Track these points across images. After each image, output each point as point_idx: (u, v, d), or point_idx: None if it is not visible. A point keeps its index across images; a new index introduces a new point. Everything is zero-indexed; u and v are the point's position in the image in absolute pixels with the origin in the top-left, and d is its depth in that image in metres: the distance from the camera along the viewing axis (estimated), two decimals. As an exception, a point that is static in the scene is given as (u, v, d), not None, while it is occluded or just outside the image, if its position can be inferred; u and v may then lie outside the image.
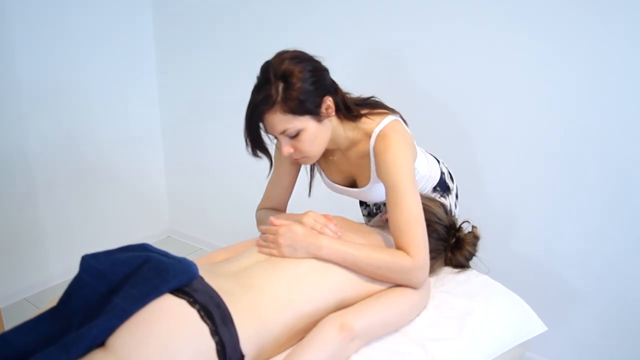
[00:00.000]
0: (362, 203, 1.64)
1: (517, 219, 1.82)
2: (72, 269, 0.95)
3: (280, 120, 1.09)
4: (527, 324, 1.20)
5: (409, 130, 1.26)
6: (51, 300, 1.00)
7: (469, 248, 1.33)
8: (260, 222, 1.38)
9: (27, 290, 2.42)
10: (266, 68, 1.12)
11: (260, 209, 1.41)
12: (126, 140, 2.69)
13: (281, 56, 1.12)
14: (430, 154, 1.48)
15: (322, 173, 1.38)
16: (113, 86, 2.56)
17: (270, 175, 1.35)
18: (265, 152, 1.18)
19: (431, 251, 1.28)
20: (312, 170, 1.38)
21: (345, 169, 1.32)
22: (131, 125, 2.70)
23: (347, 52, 1.99)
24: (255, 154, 1.18)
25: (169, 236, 3.04)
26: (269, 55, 2.39)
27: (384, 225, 1.34)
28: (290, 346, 1.03)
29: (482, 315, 1.15)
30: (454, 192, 1.50)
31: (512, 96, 1.72)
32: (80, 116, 2.45)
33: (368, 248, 1.10)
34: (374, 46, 1.96)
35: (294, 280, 1.04)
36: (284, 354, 0.98)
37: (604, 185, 1.62)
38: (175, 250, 1.11)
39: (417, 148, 1.34)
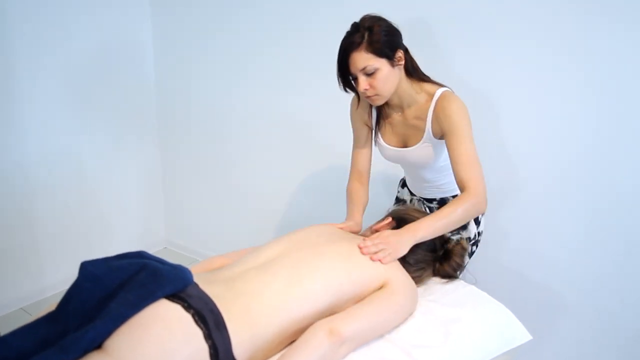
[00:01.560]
0: (403, 186, 1.79)
1: (506, 230, 1.85)
2: (68, 279, 0.98)
3: (363, 58, 1.33)
4: (513, 332, 1.23)
5: None
6: (50, 305, 1.04)
7: (457, 259, 1.37)
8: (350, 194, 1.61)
9: (24, 299, 2.44)
10: (356, 24, 1.37)
11: (350, 177, 1.64)
12: (123, 149, 2.73)
13: (365, 17, 1.38)
14: None
15: (380, 137, 1.58)
16: (111, 94, 2.61)
17: (352, 146, 1.64)
18: (352, 87, 1.43)
19: (420, 262, 1.33)
20: (375, 127, 1.60)
21: (399, 131, 1.53)
22: (128, 134, 2.75)
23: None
24: (345, 90, 1.44)
25: (165, 247, 3.07)
26: (268, 59, 2.43)
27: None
28: (282, 349, 1.06)
29: (468, 324, 1.18)
30: None
31: (504, 106, 1.76)
32: (76, 125, 2.49)
33: (442, 213, 1.28)
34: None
35: (286, 286, 1.08)
36: (276, 357, 1.01)
37: (593, 197, 1.66)
38: (171, 261, 1.14)
39: None
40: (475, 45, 1.77)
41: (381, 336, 1.12)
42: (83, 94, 2.49)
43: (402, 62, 1.39)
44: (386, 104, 1.48)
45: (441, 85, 1.46)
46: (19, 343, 0.92)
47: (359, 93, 1.42)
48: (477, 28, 1.76)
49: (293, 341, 1.04)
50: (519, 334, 1.24)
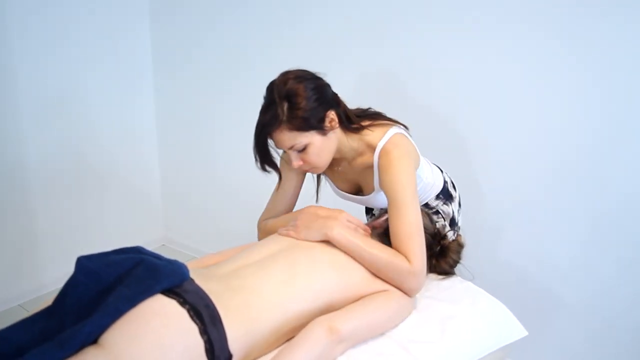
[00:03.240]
0: (368, 211, 1.69)
1: (505, 227, 1.86)
2: (66, 276, 0.98)
3: (287, 138, 1.18)
4: (508, 328, 1.24)
5: (412, 140, 1.34)
6: (46, 300, 1.04)
7: (454, 255, 1.37)
8: (265, 232, 1.40)
9: (22, 296, 2.44)
10: (271, 89, 1.20)
11: (263, 219, 1.45)
12: (121, 148, 2.73)
13: (285, 76, 1.20)
14: (435, 164, 1.57)
15: (331, 182, 1.46)
16: (109, 95, 2.61)
17: (275, 187, 1.43)
18: (274, 166, 1.27)
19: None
20: (318, 177, 1.46)
21: (350, 178, 1.41)
22: (127, 133, 2.75)
23: (343, 56, 2.04)
24: (264, 169, 1.26)
25: (163, 245, 3.07)
26: (265, 62, 2.45)
27: (371, 232, 1.38)
28: (279, 346, 1.06)
29: (464, 319, 1.19)
30: (456, 201, 1.56)
31: (503, 106, 1.77)
32: (76, 125, 2.50)
33: (375, 244, 1.17)
34: (369, 53, 2.02)
35: (284, 282, 1.08)
36: (272, 354, 1.01)
37: (592, 195, 1.66)
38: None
39: (421, 158, 1.42)
40: (472, 44, 1.78)
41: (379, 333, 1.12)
42: (78, 99, 2.49)
43: (336, 124, 1.23)
44: None
45: (384, 125, 1.29)
46: (16, 338, 0.92)
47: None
48: (472, 25, 1.76)
49: (291, 338, 1.05)
50: (515, 330, 1.24)
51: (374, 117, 1.34)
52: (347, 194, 1.45)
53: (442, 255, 1.37)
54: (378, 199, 1.38)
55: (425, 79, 1.90)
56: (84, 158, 2.56)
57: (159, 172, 2.97)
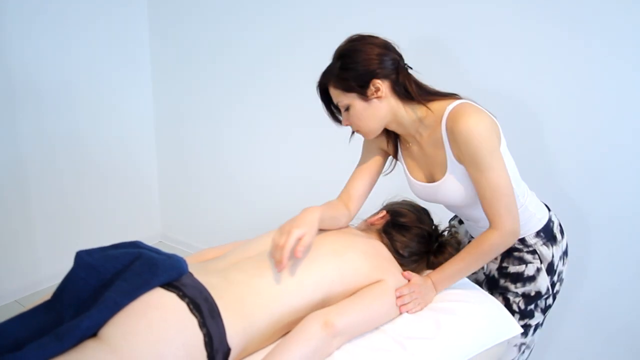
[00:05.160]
0: (461, 221, 1.53)
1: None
2: (62, 272, 0.99)
3: (334, 94, 1.23)
4: (504, 325, 1.25)
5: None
6: (45, 295, 1.04)
7: (452, 251, 1.38)
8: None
9: (19, 292, 2.44)
10: (338, 46, 1.24)
11: (341, 195, 1.41)
12: (119, 144, 2.73)
13: (351, 37, 1.23)
14: (542, 202, 1.39)
15: (406, 171, 1.37)
16: (106, 89, 2.60)
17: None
18: (335, 118, 1.31)
19: (414, 254, 1.34)
20: (395, 154, 1.40)
21: (422, 164, 1.32)
22: (124, 129, 2.74)
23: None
24: (334, 120, 1.31)
25: (160, 241, 3.08)
26: (264, 57, 2.41)
27: (368, 228, 1.39)
28: (277, 339, 1.07)
29: (459, 316, 1.19)
30: (560, 246, 1.34)
31: (503, 105, 1.76)
32: (72, 120, 2.49)
33: (461, 256, 1.22)
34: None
35: (281, 277, 1.08)
36: (270, 348, 1.02)
37: (589, 195, 1.67)
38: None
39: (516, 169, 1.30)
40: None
41: (375, 327, 1.13)
42: (77, 88, 2.49)
43: (382, 95, 1.18)
44: (398, 134, 1.32)
45: (452, 98, 1.21)
46: (14, 331, 0.93)
47: None
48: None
49: (288, 331, 1.05)
50: (510, 327, 1.25)
51: (445, 94, 1.24)
52: (420, 183, 1.32)
53: (439, 251, 1.37)
54: (448, 186, 1.25)
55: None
56: (81, 154, 2.56)
57: (156, 168, 2.97)
